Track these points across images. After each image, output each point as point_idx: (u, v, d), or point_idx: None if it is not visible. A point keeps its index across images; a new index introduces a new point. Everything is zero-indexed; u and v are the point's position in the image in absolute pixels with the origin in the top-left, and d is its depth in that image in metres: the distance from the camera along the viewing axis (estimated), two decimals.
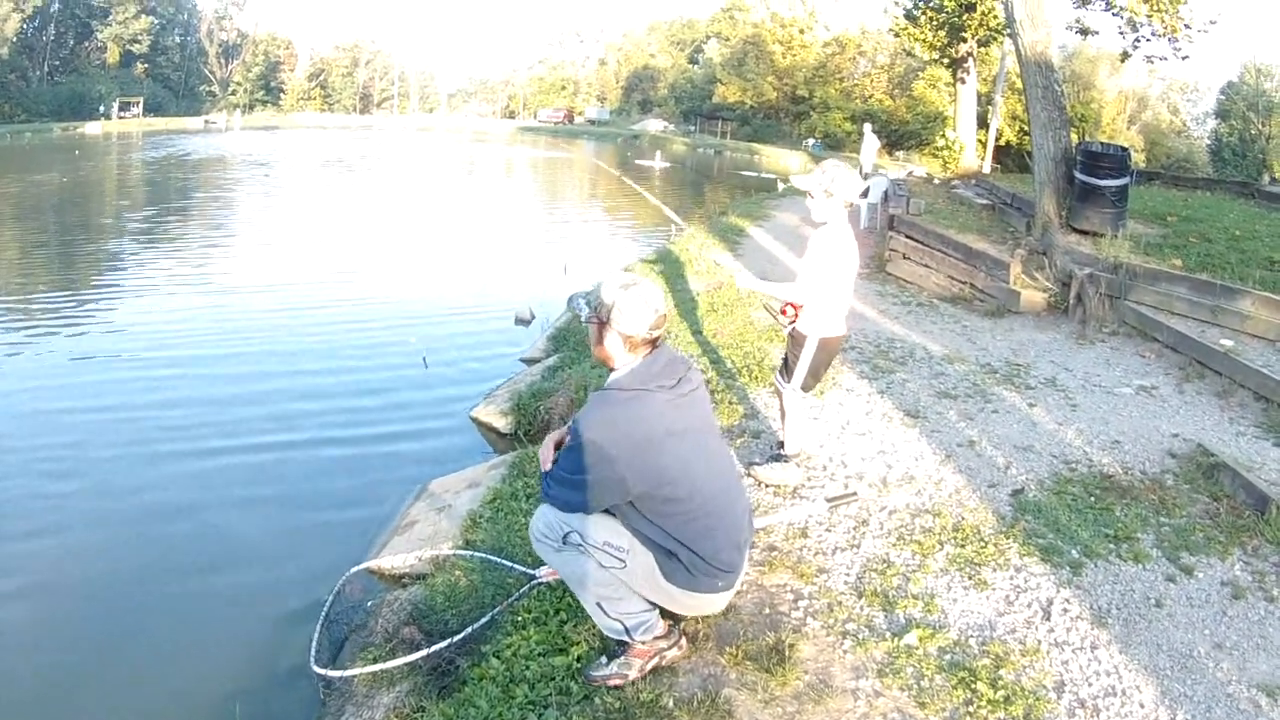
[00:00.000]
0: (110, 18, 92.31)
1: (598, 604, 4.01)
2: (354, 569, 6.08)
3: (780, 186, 34.38)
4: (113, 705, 5.22)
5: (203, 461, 8.38)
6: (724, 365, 8.99)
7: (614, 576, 3.91)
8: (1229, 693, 4.11)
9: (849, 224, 5.90)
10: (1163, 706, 4.01)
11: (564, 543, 3.94)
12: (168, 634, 5.84)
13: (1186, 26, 20.49)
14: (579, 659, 4.30)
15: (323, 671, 4.93)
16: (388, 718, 4.43)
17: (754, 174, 48.42)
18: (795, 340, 5.98)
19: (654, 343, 3.91)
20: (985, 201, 18.16)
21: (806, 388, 6.06)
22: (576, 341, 10.73)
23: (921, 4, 30.40)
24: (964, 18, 28.41)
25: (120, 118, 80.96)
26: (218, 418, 9.43)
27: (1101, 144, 14.42)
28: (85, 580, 6.44)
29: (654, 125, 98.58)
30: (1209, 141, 69.01)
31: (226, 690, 5.24)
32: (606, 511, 3.90)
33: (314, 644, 5.23)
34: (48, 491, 7.73)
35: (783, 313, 6.03)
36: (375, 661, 4.72)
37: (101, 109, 79.32)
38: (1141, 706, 4.01)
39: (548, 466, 3.97)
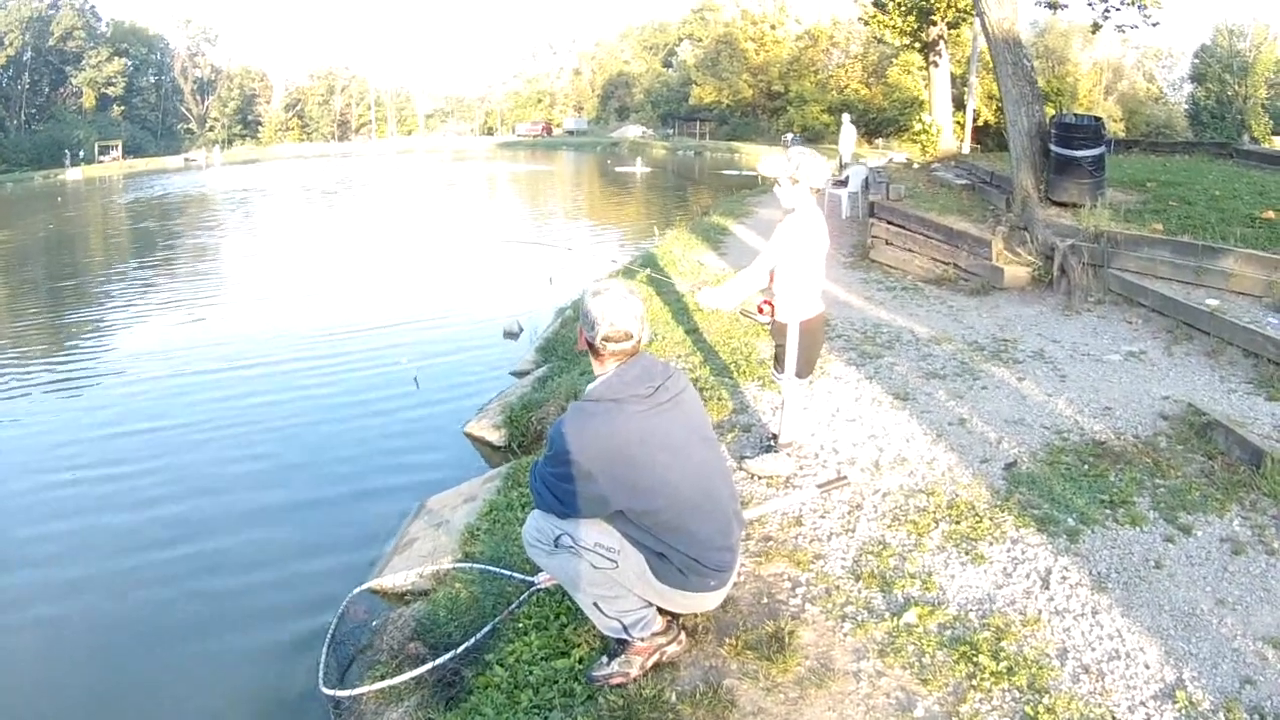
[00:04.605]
0: (84, 62, 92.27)
1: (594, 604, 4.03)
2: (357, 590, 6.08)
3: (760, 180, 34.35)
4: None
5: (202, 492, 8.41)
6: (713, 362, 8.99)
7: (608, 576, 3.93)
8: (1235, 647, 4.12)
9: (817, 209, 5.94)
10: (1168, 666, 4.02)
11: (556, 546, 3.95)
12: (176, 664, 5.85)
13: None
14: (581, 661, 4.32)
15: (331, 692, 4.94)
16: None
17: (735, 172, 48.43)
18: (778, 331, 6.03)
19: (631, 352, 3.94)
20: (965, 182, 18.21)
21: (802, 374, 6.09)
22: (565, 351, 10.76)
23: None
24: (932, 1, 28.48)
25: (100, 161, 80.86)
26: (215, 448, 9.46)
27: (1075, 115, 14.47)
28: (93, 614, 6.46)
29: (632, 131, 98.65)
30: (1187, 106, 69.36)
31: (238, 716, 5.30)
32: None
33: (322, 666, 5.24)
34: (52, 528, 7.81)
35: (760, 310, 6.08)
36: (382, 679, 4.73)
37: (82, 154, 79.19)
38: (1146, 667, 4.02)
39: None
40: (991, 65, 15.21)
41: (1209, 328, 8.75)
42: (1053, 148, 12.90)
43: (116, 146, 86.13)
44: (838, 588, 4.77)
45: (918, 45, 31.34)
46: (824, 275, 6.15)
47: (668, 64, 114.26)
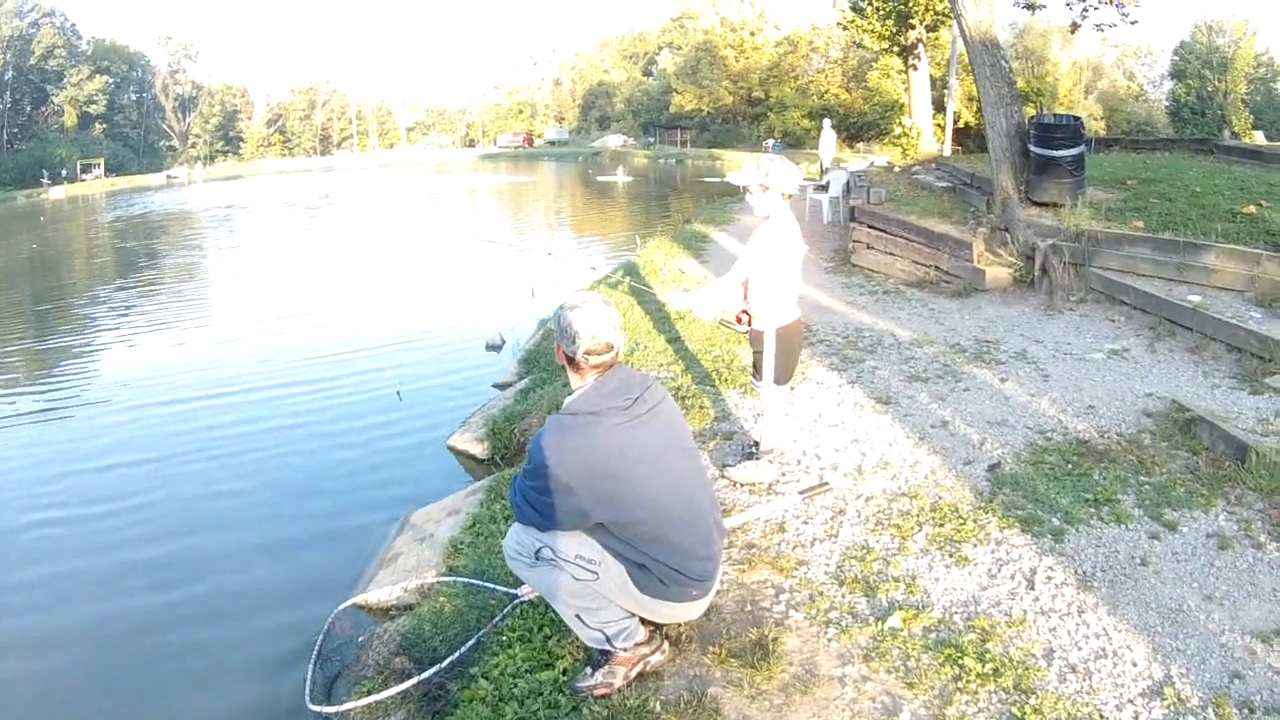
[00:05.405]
0: (65, 81, 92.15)
1: (576, 615, 4.02)
2: (342, 606, 6.05)
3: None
4: None
5: (187, 512, 8.37)
6: (694, 370, 8.98)
7: (589, 588, 3.91)
8: (1223, 642, 4.12)
9: (791, 214, 5.96)
10: (1155, 663, 4.01)
11: (537, 558, 3.94)
12: (164, 681, 5.84)
13: None
14: (565, 672, 4.30)
15: (318, 709, 4.92)
16: None
17: (717, 179, 48.32)
18: (756, 338, 6.03)
19: (608, 365, 3.93)
20: (946, 184, 18.23)
21: (780, 381, 6.10)
22: (546, 363, 10.72)
23: None
24: (910, 4, 28.56)
25: (82, 180, 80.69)
26: (199, 469, 9.39)
27: (1054, 115, 14.51)
28: (81, 634, 6.44)
29: (614, 141, 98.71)
30: (1167, 103, 69.71)
31: None
32: None
33: (308, 682, 5.21)
34: (38, 548, 7.79)
35: (738, 320, 6.09)
36: (368, 694, 4.70)
37: (64, 172, 79.04)
38: (1134, 665, 4.01)
39: None
40: (970, 67, 15.22)
41: (1191, 324, 8.77)
42: (1032, 148, 12.93)
43: (98, 164, 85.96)
44: (821, 593, 4.76)
45: (897, 49, 31.42)
46: (801, 281, 6.16)
47: (648, 73, 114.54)
